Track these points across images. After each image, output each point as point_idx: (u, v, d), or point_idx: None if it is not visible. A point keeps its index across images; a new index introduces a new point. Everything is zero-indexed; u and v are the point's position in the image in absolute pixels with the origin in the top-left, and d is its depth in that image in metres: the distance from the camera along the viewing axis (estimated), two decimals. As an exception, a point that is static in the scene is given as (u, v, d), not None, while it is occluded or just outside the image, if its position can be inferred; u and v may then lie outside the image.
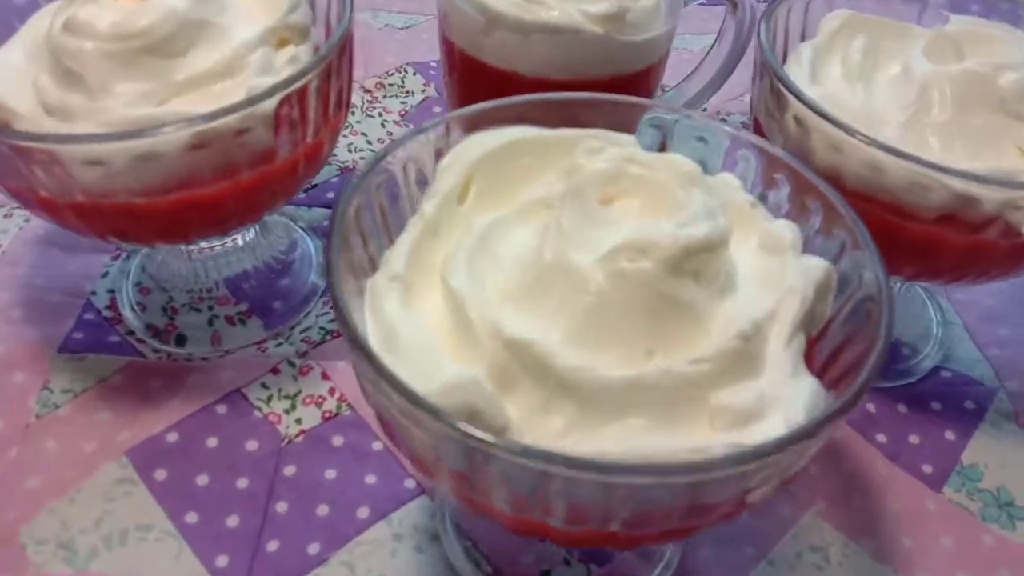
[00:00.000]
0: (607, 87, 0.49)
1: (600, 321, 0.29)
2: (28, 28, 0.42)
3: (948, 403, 0.49)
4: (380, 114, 0.66)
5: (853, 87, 0.44)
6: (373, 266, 0.33)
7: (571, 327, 0.29)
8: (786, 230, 0.33)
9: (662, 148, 0.38)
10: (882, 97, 0.43)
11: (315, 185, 0.59)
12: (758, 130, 0.45)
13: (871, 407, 0.48)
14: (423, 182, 0.36)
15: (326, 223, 0.57)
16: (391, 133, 0.65)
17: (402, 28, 0.75)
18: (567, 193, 0.32)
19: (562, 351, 0.28)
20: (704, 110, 0.62)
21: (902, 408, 0.48)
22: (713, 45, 0.58)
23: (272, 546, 0.40)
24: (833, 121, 0.38)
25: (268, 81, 0.37)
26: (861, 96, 0.43)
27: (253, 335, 0.49)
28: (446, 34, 0.52)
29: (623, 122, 0.38)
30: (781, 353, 0.29)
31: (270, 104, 0.36)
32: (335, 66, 0.40)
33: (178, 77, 0.38)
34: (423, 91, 0.69)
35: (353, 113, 0.66)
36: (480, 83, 0.51)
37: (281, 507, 0.41)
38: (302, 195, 0.58)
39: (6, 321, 0.48)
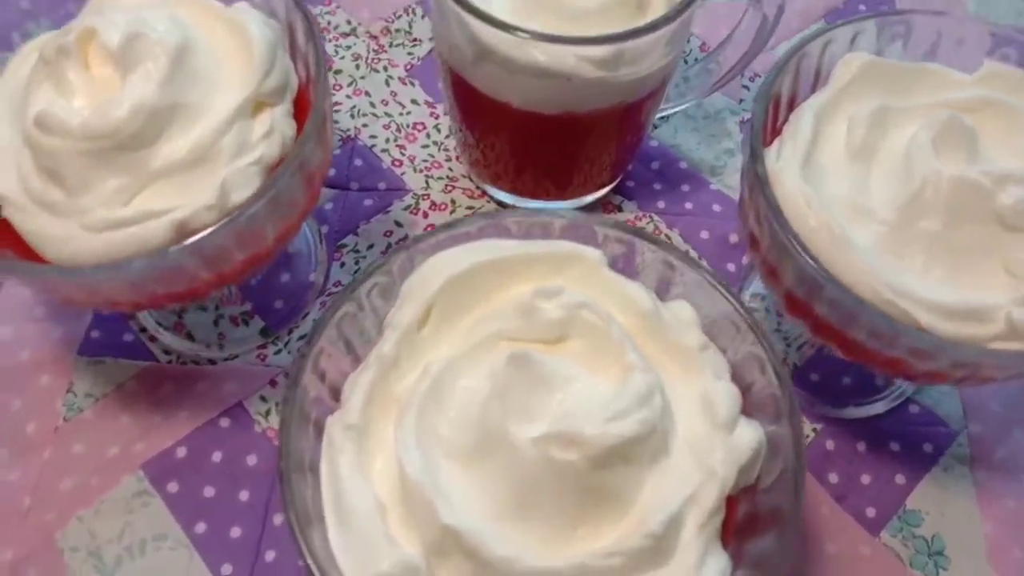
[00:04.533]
0: (602, 119, 0.47)
1: (531, 497, 0.32)
2: (5, 85, 0.42)
3: (907, 444, 0.51)
4: (385, 68, 0.64)
5: (851, 167, 0.42)
6: (335, 396, 0.36)
7: (504, 499, 0.32)
8: (724, 403, 0.34)
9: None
10: (879, 186, 0.41)
11: (317, 159, 0.59)
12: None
13: (830, 444, 0.51)
14: (387, 296, 0.37)
15: (327, 206, 0.58)
16: (395, 93, 0.63)
17: (415, -54, 0.70)
18: (511, 359, 0.33)
19: (490, 539, 0.31)
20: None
21: (860, 447, 0.51)
22: (730, 36, 0.54)
23: (270, 556, 0.46)
24: (806, 254, 0.37)
25: (244, 190, 0.38)
26: (857, 181, 0.41)
27: (254, 338, 0.52)
28: (439, 50, 0.49)
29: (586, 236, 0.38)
30: (694, 541, 0.32)
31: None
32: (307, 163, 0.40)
33: (153, 166, 0.38)
34: (432, 39, 0.65)
35: (357, 66, 0.64)
36: (472, 105, 0.49)
37: (277, 519, 0.47)
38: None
39: (30, 319, 0.52)
